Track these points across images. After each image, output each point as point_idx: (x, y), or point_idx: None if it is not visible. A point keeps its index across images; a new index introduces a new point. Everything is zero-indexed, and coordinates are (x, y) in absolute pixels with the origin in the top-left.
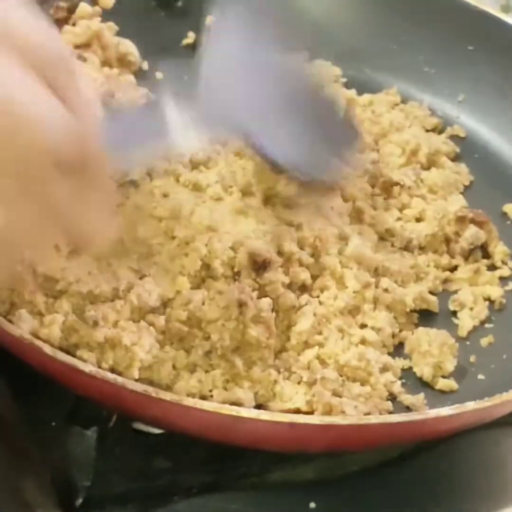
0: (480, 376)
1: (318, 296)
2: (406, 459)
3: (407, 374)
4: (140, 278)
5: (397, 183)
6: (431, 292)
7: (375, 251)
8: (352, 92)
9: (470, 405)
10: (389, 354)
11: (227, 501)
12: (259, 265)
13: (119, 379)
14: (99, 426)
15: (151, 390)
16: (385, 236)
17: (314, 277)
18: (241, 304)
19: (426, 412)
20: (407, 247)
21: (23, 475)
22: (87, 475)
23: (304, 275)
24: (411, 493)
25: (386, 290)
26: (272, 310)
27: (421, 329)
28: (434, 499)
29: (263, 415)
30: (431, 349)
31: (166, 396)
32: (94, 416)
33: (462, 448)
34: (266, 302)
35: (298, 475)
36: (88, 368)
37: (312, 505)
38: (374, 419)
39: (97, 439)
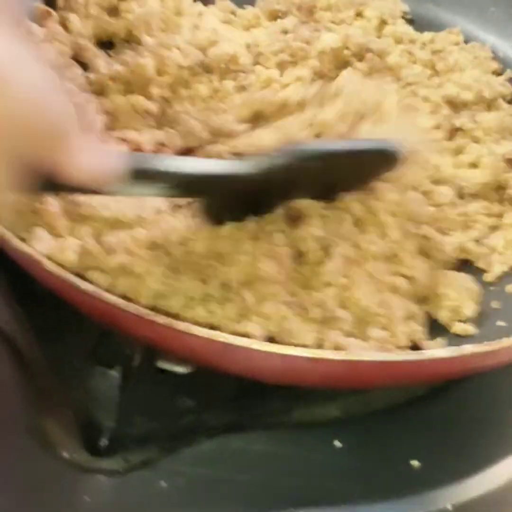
0: (500, 323)
1: None
2: (432, 397)
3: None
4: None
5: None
6: (476, 240)
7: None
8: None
9: (467, 348)
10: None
11: (250, 440)
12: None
13: (112, 298)
14: (122, 365)
15: (143, 312)
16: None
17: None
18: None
19: (420, 352)
20: (459, 195)
21: (46, 415)
22: (111, 415)
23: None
24: (435, 432)
25: (427, 238)
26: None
27: (443, 272)
28: (459, 437)
29: (254, 344)
30: (450, 292)
31: (159, 319)
32: (117, 355)
33: (491, 386)
34: (280, 237)
35: (322, 413)
36: (84, 285)
37: (337, 443)
38: (366, 356)
39: (121, 378)
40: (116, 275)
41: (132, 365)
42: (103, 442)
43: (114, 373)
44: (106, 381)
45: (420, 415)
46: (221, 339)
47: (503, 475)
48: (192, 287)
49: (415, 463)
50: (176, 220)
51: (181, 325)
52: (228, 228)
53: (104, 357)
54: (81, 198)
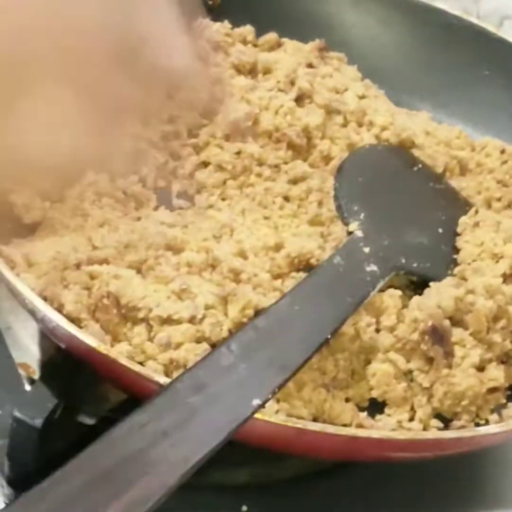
0: None
1: None
2: (338, 470)
3: None
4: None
5: None
6: None
7: None
8: None
9: None
10: None
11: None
12: None
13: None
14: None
15: None
16: None
17: None
18: None
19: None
20: None
21: None
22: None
23: None
24: (339, 504)
25: None
26: None
27: None
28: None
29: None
30: None
31: None
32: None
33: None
34: None
35: (231, 478)
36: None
37: (244, 508)
38: (429, 434)
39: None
40: (168, 370)
41: (54, 418)
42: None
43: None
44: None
45: (326, 487)
46: (299, 425)
47: None
48: None
49: None
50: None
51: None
52: None
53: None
54: (140, 303)
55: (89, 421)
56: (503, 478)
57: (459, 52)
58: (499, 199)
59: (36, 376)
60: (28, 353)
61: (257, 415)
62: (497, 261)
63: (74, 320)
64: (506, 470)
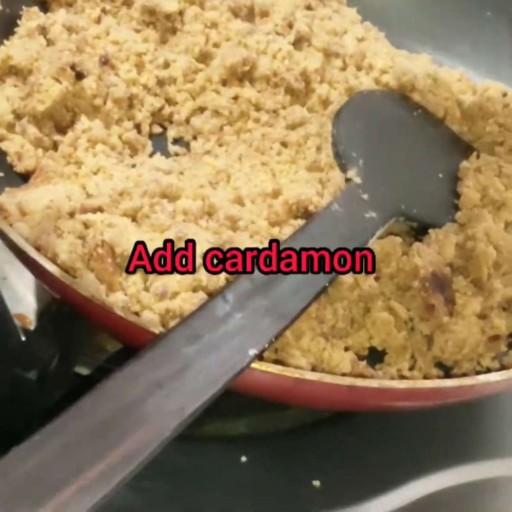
0: None
1: None
2: (337, 420)
3: None
4: None
5: None
6: None
7: None
8: None
9: None
10: None
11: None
12: None
13: None
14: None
15: None
16: None
17: None
18: None
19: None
20: None
21: None
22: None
23: None
24: (338, 454)
25: None
26: None
27: None
28: (361, 460)
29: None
30: None
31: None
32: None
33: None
34: None
35: (231, 429)
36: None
37: (243, 458)
38: (429, 383)
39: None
40: (165, 319)
41: (49, 369)
42: None
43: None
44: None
45: (325, 437)
46: (296, 375)
47: (404, 499)
48: None
49: (316, 483)
50: None
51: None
52: None
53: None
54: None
55: (85, 371)
56: (502, 427)
57: None
58: (501, 144)
59: (32, 326)
60: (24, 303)
61: (254, 365)
62: (498, 208)
63: (69, 270)
64: (505, 420)
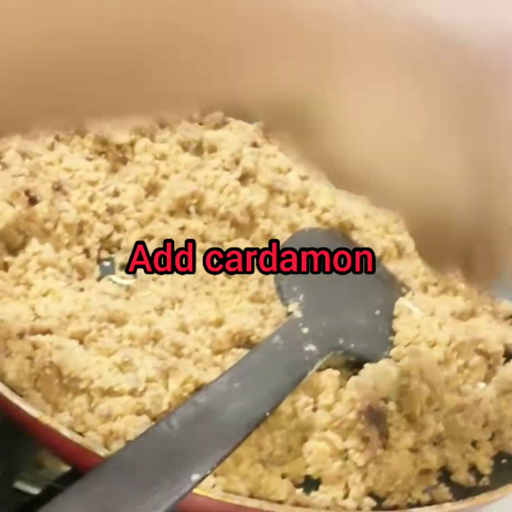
0: None
1: None
2: None
3: None
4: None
5: None
6: None
7: None
8: None
9: None
10: None
11: None
12: None
13: None
14: None
15: None
16: None
17: None
18: None
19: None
20: None
21: None
22: None
23: None
24: None
25: None
26: None
27: None
28: None
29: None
30: None
31: None
32: None
33: None
34: None
35: None
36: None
37: None
38: None
39: None
40: (108, 441)
41: None
42: None
43: None
44: None
45: None
46: (236, 502)
47: None
48: None
49: None
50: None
51: None
52: None
53: None
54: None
55: (25, 487)
56: None
57: None
58: (435, 284)
59: None
60: None
61: (195, 490)
62: (432, 345)
63: (16, 389)
64: None
